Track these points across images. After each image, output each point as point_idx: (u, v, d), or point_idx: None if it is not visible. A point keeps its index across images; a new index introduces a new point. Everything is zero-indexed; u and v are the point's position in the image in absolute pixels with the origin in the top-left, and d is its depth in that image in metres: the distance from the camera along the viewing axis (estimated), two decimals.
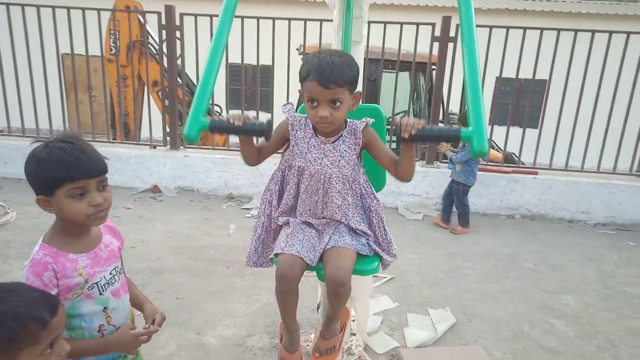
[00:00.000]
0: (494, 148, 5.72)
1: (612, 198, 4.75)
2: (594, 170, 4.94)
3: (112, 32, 5.70)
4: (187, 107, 5.57)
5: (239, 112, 1.51)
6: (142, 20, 5.75)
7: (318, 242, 1.60)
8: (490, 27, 4.57)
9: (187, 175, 5.15)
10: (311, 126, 1.60)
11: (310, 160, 1.58)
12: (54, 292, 1.15)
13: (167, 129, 5.39)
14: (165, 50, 5.16)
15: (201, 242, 3.86)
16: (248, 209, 4.72)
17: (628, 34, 4.57)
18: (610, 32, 4.55)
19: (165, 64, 5.27)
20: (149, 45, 5.86)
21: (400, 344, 2.56)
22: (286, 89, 4.99)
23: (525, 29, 4.64)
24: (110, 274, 1.29)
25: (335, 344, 1.75)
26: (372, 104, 1.84)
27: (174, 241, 3.84)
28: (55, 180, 1.15)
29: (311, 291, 2.93)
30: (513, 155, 5.76)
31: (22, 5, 4.93)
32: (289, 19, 4.78)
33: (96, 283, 1.24)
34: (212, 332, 2.59)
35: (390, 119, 5.67)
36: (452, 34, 4.67)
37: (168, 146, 5.30)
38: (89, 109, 5.37)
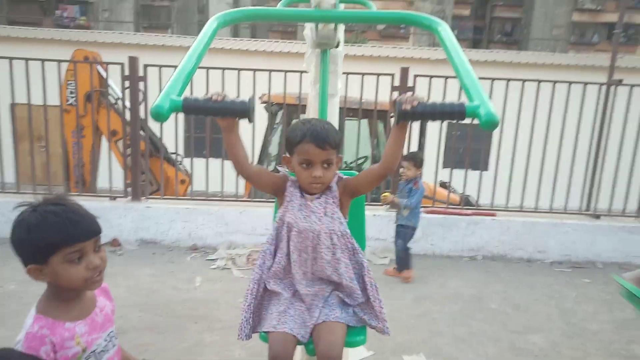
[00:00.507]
0: (452, 191, 5.92)
1: (566, 237, 4.99)
2: (547, 210, 5.20)
3: (69, 82, 5.64)
4: (150, 159, 5.51)
5: (217, 91, 1.35)
6: (100, 72, 5.71)
7: (308, 317, 1.59)
8: (446, 78, 4.83)
9: (150, 227, 5.02)
10: (299, 187, 1.65)
11: (299, 217, 1.61)
12: None
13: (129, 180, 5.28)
14: (127, 101, 5.13)
15: (167, 297, 3.73)
16: (213, 259, 4.62)
17: (569, 83, 4.95)
18: (554, 82, 4.92)
19: (127, 113, 5.23)
20: (108, 95, 5.81)
21: None
22: (251, 137, 5.07)
23: (479, 79, 4.92)
24: (105, 340, 1.24)
25: None
26: (349, 171, 1.89)
27: (137, 297, 3.69)
28: (51, 246, 1.10)
29: None
30: (468, 197, 5.97)
31: None
32: (254, 70, 4.89)
33: (94, 351, 1.19)
34: None
35: (351, 164, 5.80)
36: (410, 83, 4.91)
37: (129, 197, 5.17)
38: (41, 160, 5.19)
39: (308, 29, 1.98)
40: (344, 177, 1.67)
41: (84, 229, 1.14)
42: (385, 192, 4.44)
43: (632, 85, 5.02)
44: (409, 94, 1.37)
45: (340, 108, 5.39)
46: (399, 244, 4.32)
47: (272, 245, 1.68)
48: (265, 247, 1.68)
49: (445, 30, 1.57)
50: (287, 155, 1.63)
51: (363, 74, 4.84)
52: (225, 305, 3.60)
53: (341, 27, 2.03)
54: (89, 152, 5.98)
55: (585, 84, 5.01)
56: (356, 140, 5.13)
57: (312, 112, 2.13)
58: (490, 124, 1.24)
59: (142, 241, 5.02)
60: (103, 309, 1.26)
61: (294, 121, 1.66)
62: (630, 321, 3.63)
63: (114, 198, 5.22)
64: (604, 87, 5.14)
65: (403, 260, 4.31)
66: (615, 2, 36.26)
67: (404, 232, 4.32)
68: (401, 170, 4.24)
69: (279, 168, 1.68)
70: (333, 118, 2.04)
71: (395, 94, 1.41)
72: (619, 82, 5.20)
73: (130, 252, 4.77)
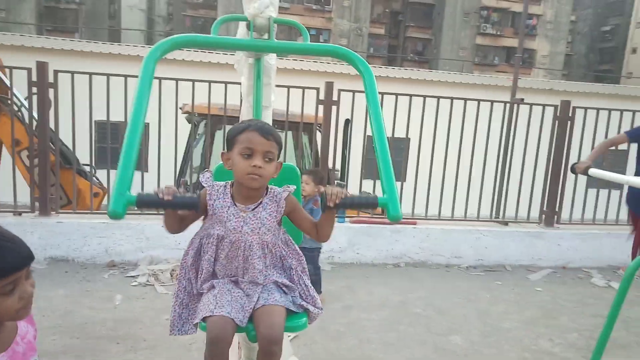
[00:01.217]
0: None
1: (479, 243, 5.35)
2: (462, 218, 5.54)
3: None
4: (61, 170, 5.13)
5: (167, 185, 1.46)
6: (0, 76, 5.25)
7: (247, 302, 1.58)
8: (384, 94, 5.00)
9: (61, 244, 4.65)
10: (230, 195, 1.62)
11: (230, 229, 1.59)
12: None
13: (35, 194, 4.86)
14: (35, 109, 4.75)
15: (83, 317, 3.47)
16: (134, 276, 4.38)
17: (479, 101, 5.36)
18: (465, 100, 5.30)
19: (34, 122, 4.84)
20: (12, 103, 5.33)
21: None
22: (174, 148, 4.91)
23: (397, 95, 5.18)
24: None
25: None
26: (288, 163, 1.92)
27: (50, 319, 3.40)
28: None
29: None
30: None
31: None
32: (177, 80, 4.76)
33: None
34: None
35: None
36: (334, 97, 5.04)
37: (37, 212, 4.77)
38: None
39: (242, 30, 1.98)
40: (294, 200, 1.69)
41: (20, 257, 1.03)
42: None
43: (532, 104, 5.53)
44: (334, 189, 1.52)
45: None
46: (309, 269, 4.08)
47: (195, 258, 1.66)
48: (189, 251, 1.66)
49: (369, 78, 1.71)
50: (225, 151, 1.62)
51: (289, 87, 4.88)
52: (150, 323, 3.42)
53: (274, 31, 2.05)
54: None
55: (492, 102, 5.44)
56: (283, 152, 5.15)
57: None
58: (395, 219, 1.52)
59: (51, 259, 4.63)
60: (25, 337, 1.15)
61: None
62: (537, 319, 3.96)
63: (19, 213, 4.79)
64: (508, 105, 5.62)
65: (316, 283, 3.99)
66: (512, 29, 39.95)
67: (312, 256, 3.93)
68: (302, 185, 4.08)
69: (201, 177, 1.66)
70: None
71: (321, 188, 1.53)
72: (521, 101, 5.73)
73: (39, 271, 4.38)
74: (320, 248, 4.07)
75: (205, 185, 1.63)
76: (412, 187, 5.36)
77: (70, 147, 5.11)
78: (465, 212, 5.53)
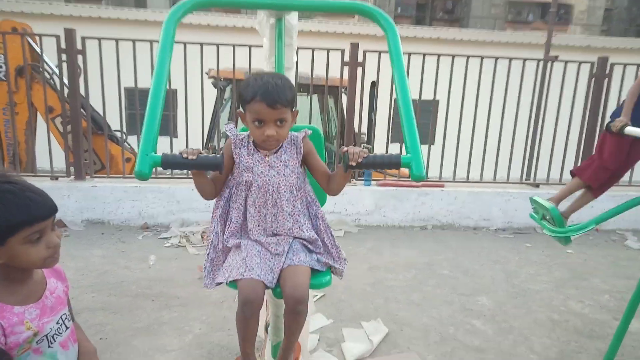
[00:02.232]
0: None
1: (508, 205, 5.27)
2: (491, 181, 5.45)
3: None
4: (92, 137, 5.25)
5: (190, 147, 1.47)
6: (32, 43, 5.33)
7: (275, 263, 1.61)
8: (410, 54, 4.88)
9: (96, 207, 4.82)
10: (252, 143, 1.64)
11: (257, 174, 1.62)
12: None
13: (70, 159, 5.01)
14: (65, 77, 4.83)
15: (120, 277, 3.63)
16: (166, 238, 4.52)
17: (510, 59, 5.17)
18: (496, 58, 5.11)
19: (65, 89, 4.93)
20: (44, 70, 5.44)
21: (340, 359, 2.61)
22: (200, 113, 4.95)
23: (424, 55, 5.04)
24: (57, 323, 1.18)
25: None
26: (311, 125, 1.91)
27: (88, 278, 3.56)
28: (11, 228, 1.03)
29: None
30: None
31: None
32: (201, 44, 4.74)
33: (45, 335, 1.13)
34: None
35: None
36: (360, 59, 4.94)
37: (72, 177, 4.93)
38: None
39: None
40: (310, 143, 1.69)
41: (45, 208, 1.09)
42: None
43: (567, 62, 5.30)
44: (356, 148, 1.49)
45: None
46: None
47: (225, 208, 1.68)
48: (219, 203, 1.69)
49: (393, 36, 1.66)
50: (241, 110, 1.62)
51: (314, 49, 4.81)
52: (182, 282, 3.55)
53: None
54: (24, 130, 5.60)
55: (525, 60, 5.24)
56: (308, 117, 5.12)
57: None
58: (418, 178, 1.47)
59: (88, 222, 4.82)
60: (54, 292, 1.21)
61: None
62: (567, 280, 3.92)
63: (56, 178, 4.96)
64: (541, 63, 5.40)
65: None
66: None
67: None
68: None
69: (225, 127, 1.68)
70: None
71: (344, 148, 1.47)
72: (555, 58, 5.48)
73: (77, 233, 4.57)
74: None
75: (230, 134, 1.65)
76: (440, 150, 5.28)
77: (101, 113, 5.21)
78: (495, 175, 5.44)
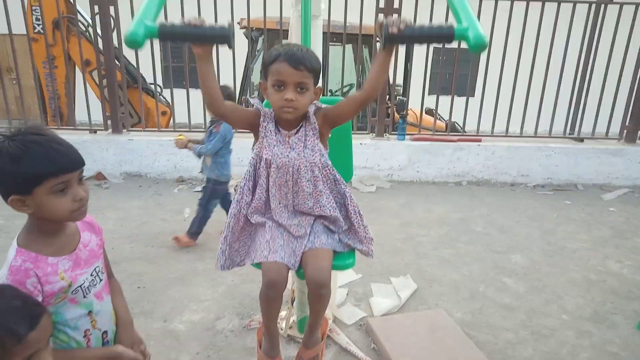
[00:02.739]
0: (438, 118, 5.90)
1: (549, 160, 5.07)
2: (531, 135, 5.23)
3: (33, 8, 5.27)
4: (128, 91, 5.30)
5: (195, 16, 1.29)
6: None
7: (298, 245, 1.60)
8: None
9: (133, 160, 4.94)
10: (275, 122, 1.59)
11: (277, 154, 1.57)
12: (39, 299, 1.08)
13: (108, 112, 5.11)
14: (99, 27, 4.84)
15: (156, 228, 3.75)
16: (200, 191, 4.60)
17: (559, 2, 4.80)
18: (543, 1, 4.76)
19: (99, 42, 4.96)
20: (79, 23, 5.47)
21: (367, 314, 2.64)
22: (232, 66, 4.89)
23: None
24: (92, 275, 1.22)
25: (318, 352, 1.78)
26: (335, 97, 1.84)
27: (127, 229, 3.70)
28: (36, 177, 1.05)
29: None
30: (455, 124, 5.97)
31: None
32: None
33: (80, 286, 1.17)
34: (180, 318, 2.55)
35: (336, 92, 5.69)
36: (395, 5, 4.71)
37: (110, 130, 5.04)
38: (16, 93, 4.97)
39: None
40: (323, 106, 1.61)
41: (70, 160, 1.10)
42: (180, 135, 3.59)
43: (622, 4, 4.88)
44: (395, 16, 1.32)
45: (323, 33, 5.25)
46: (198, 202, 3.47)
47: (249, 181, 1.64)
48: (243, 183, 1.65)
49: None
50: (262, 80, 1.55)
51: None
52: (216, 234, 3.62)
53: None
54: (63, 83, 5.72)
55: (575, 2, 4.86)
56: (340, 67, 4.99)
57: (294, 36, 2.03)
58: (479, 47, 1.24)
59: (127, 174, 4.97)
60: (87, 245, 1.24)
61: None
62: (607, 239, 3.78)
63: (95, 131, 5.09)
64: (594, 7, 5.00)
65: (194, 222, 3.44)
66: None
67: (206, 188, 3.47)
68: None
69: (251, 100, 1.61)
70: (317, 41, 1.95)
71: (381, 17, 1.32)
72: (610, 1, 5.06)
73: (116, 185, 4.73)
74: (220, 181, 3.42)
75: (258, 106, 1.60)
76: (478, 102, 5.07)
77: (136, 66, 5.24)
78: (536, 129, 5.21)
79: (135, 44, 1.19)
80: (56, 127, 5.15)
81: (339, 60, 4.98)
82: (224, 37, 1.23)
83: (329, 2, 4.58)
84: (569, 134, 5.39)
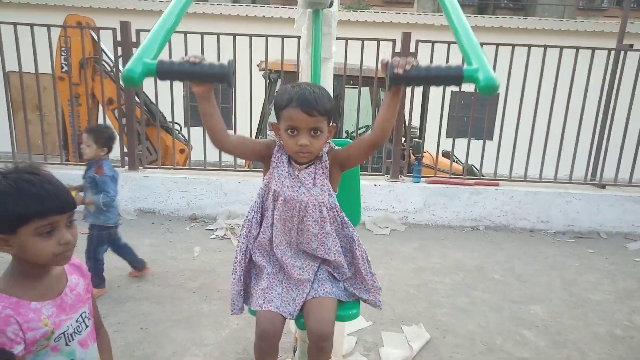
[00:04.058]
0: (454, 161, 5.82)
1: (570, 207, 4.91)
2: (551, 180, 5.10)
3: (62, 49, 5.48)
4: (145, 127, 5.39)
5: (194, 54, 1.26)
6: (94, 36, 5.55)
7: (298, 294, 1.53)
8: (449, 43, 4.67)
9: (148, 197, 4.96)
10: (287, 154, 1.56)
11: (285, 186, 1.52)
12: (20, 347, 1.02)
13: (125, 149, 5.18)
14: (121, 67, 4.99)
15: (165, 266, 3.70)
16: (212, 229, 4.58)
17: (577, 49, 4.78)
18: (561, 47, 4.74)
19: (121, 81, 5.09)
20: (103, 62, 5.66)
21: None
22: (248, 106, 4.94)
23: (481, 44, 4.77)
24: (77, 321, 1.16)
25: None
26: (344, 139, 1.82)
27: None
28: (22, 217, 1.02)
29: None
30: (473, 167, 5.88)
31: None
32: (250, 35, 4.73)
33: (63, 333, 1.12)
34: None
35: (352, 133, 5.69)
36: (412, 49, 4.74)
37: (126, 167, 5.10)
38: (39, 129, 5.10)
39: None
40: (335, 147, 1.58)
41: (59, 202, 1.07)
42: (73, 192, 2.98)
43: None
44: (404, 58, 1.27)
45: (340, 76, 5.30)
46: (86, 252, 3.14)
47: (257, 213, 1.60)
48: (251, 216, 1.60)
49: None
50: (276, 122, 1.53)
51: (363, 40, 4.67)
52: (225, 275, 3.57)
53: None
54: (86, 121, 5.86)
55: (594, 49, 4.83)
56: (356, 109, 5.00)
57: (304, 78, 2.02)
58: (489, 89, 1.16)
59: (140, 211, 4.97)
60: (74, 289, 1.19)
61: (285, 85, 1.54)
62: (634, 291, 3.59)
63: None
64: (613, 53, 4.97)
65: (92, 273, 2.70)
66: None
67: (91, 236, 3.15)
68: (81, 145, 3.15)
69: (269, 133, 1.59)
70: (327, 83, 1.94)
71: (387, 57, 1.27)
72: (630, 47, 5.02)
73: (129, 221, 4.72)
74: (108, 227, 3.16)
75: (274, 138, 1.58)
76: (496, 145, 5.00)
77: (157, 105, 5.35)
78: (556, 174, 5.08)
79: (131, 82, 1.15)
80: (75, 163, 5.23)
81: (355, 103, 5.00)
82: (223, 75, 1.19)
83: (346, 45, 4.64)
84: (590, 179, 5.25)
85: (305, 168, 1.54)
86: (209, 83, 1.28)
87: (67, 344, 1.12)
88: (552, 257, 4.24)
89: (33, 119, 5.37)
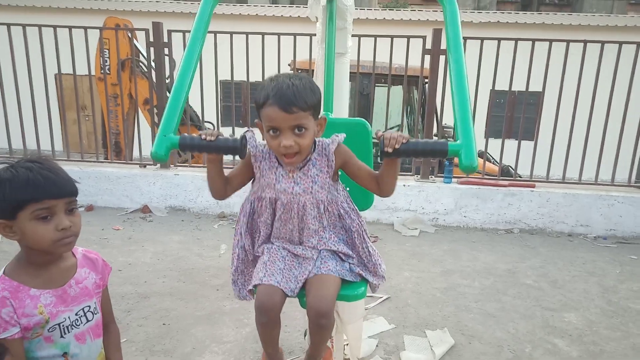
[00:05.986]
0: (489, 161, 5.64)
1: (612, 210, 4.66)
2: (591, 182, 4.86)
3: (102, 50, 5.65)
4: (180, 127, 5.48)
5: (210, 129, 1.43)
6: (132, 39, 5.71)
7: (300, 271, 1.49)
8: (482, 39, 4.53)
9: (178, 195, 5.04)
10: (275, 156, 1.47)
11: (280, 191, 1.47)
12: (16, 329, 1.05)
13: None
14: (153, 65, 5.11)
15: (191, 263, 3.74)
16: None
17: (620, 43, 4.53)
18: (603, 43, 4.51)
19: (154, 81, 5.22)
20: (140, 63, 5.81)
21: None
22: None
23: (516, 40, 4.60)
24: (77, 314, 1.16)
25: None
26: (358, 118, 1.75)
27: (163, 263, 3.72)
28: (19, 201, 1.05)
29: (303, 314, 2.81)
30: (509, 168, 5.68)
31: (8, 25, 4.88)
32: (278, 34, 4.74)
33: (58, 324, 1.12)
34: (200, 359, 2.46)
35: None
36: (443, 46, 4.61)
37: (158, 165, 5.20)
38: (78, 129, 5.27)
39: None
40: (345, 148, 1.48)
41: (56, 187, 1.08)
42: None
43: None
44: (393, 133, 1.30)
45: (368, 74, 5.23)
46: None
47: (245, 217, 1.59)
48: (241, 218, 1.60)
49: (452, 12, 1.50)
50: (259, 120, 1.43)
51: (392, 37, 4.58)
52: None
53: None
54: (123, 120, 6.03)
55: (638, 43, 4.56)
56: (386, 109, 4.91)
57: (319, 74, 1.98)
58: (468, 168, 1.26)
59: (171, 208, 5.06)
60: (81, 282, 1.19)
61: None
62: None
63: (144, 166, 5.26)
64: None
65: None
66: None
67: None
68: None
69: (246, 134, 1.46)
70: (342, 79, 1.89)
71: (380, 131, 1.29)
72: None
73: (160, 218, 4.82)
74: None
75: (249, 145, 1.46)
76: (532, 145, 4.81)
77: (191, 105, 5.45)
78: (597, 175, 4.83)
79: (159, 159, 1.43)
80: (110, 161, 5.39)
81: (384, 102, 4.91)
82: (235, 149, 1.37)
83: (375, 43, 4.57)
84: (635, 182, 4.96)
85: (300, 168, 1.47)
86: (222, 154, 1.43)
87: (62, 336, 1.13)
88: (591, 262, 4.03)
89: (75, 120, 5.54)
